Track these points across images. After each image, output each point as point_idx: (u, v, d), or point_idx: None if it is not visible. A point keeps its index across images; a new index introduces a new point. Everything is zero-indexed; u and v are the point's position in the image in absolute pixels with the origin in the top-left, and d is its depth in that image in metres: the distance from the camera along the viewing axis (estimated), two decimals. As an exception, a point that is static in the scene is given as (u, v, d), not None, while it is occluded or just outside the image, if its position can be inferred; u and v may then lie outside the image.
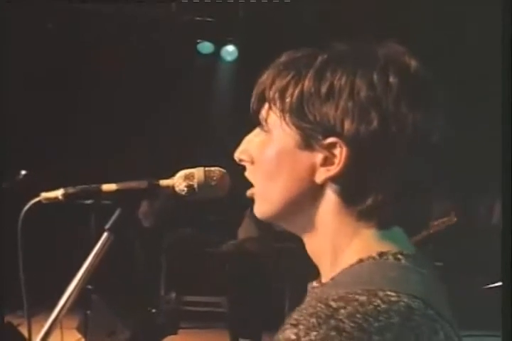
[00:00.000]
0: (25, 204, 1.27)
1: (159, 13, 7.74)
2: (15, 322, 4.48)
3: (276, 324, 0.84)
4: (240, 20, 7.76)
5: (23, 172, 7.23)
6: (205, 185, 1.21)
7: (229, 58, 8.46)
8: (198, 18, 7.89)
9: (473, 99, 6.61)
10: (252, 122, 0.98)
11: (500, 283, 3.37)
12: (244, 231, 6.06)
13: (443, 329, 0.81)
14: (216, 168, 1.23)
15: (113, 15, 7.68)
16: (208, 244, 7.32)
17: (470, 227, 6.01)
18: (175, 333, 5.79)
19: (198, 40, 8.33)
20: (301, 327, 0.76)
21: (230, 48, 8.34)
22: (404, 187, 0.89)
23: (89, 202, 1.32)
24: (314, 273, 0.98)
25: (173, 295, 6.73)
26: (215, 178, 1.21)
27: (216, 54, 8.43)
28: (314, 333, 0.75)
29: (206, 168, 1.22)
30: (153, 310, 5.79)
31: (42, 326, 1.24)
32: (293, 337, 0.76)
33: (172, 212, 6.65)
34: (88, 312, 4.38)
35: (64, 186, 1.27)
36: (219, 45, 8.37)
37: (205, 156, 7.34)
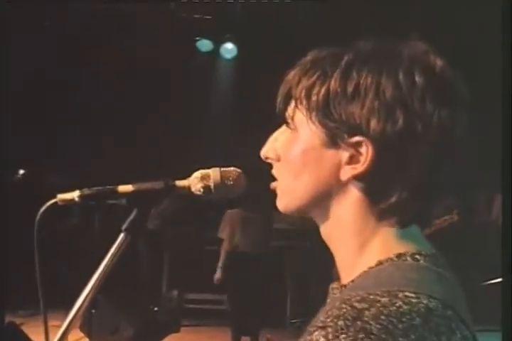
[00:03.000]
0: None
1: (158, 11, 7.72)
2: (17, 321, 4.49)
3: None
4: (239, 18, 7.74)
5: (22, 171, 7.24)
6: (221, 185, 1.20)
7: (228, 56, 8.44)
8: (196, 16, 7.88)
9: (472, 95, 6.60)
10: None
11: (500, 279, 3.38)
12: (244, 230, 6.05)
13: (459, 329, 0.82)
14: (232, 168, 1.22)
15: (112, 14, 7.67)
16: (208, 242, 7.32)
17: (469, 222, 6.01)
18: (177, 331, 5.80)
19: (197, 38, 8.32)
20: (329, 329, 0.77)
21: (229, 46, 8.32)
22: (428, 185, 0.90)
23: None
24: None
25: (175, 293, 6.74)
26: (231, 179, 1.21)
27: (215, 52, 8.42)
28: (343, 336, 0.76)
29: (222, 169, 1.22)
30: (156, 308, 5.79)
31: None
32: (322, 339, 0.77)
33: (176, 214, 6.65)
34: (93, 311, 4.41)
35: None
36: (218, 42, 8.36)
37: (205, 153, 7.37)
